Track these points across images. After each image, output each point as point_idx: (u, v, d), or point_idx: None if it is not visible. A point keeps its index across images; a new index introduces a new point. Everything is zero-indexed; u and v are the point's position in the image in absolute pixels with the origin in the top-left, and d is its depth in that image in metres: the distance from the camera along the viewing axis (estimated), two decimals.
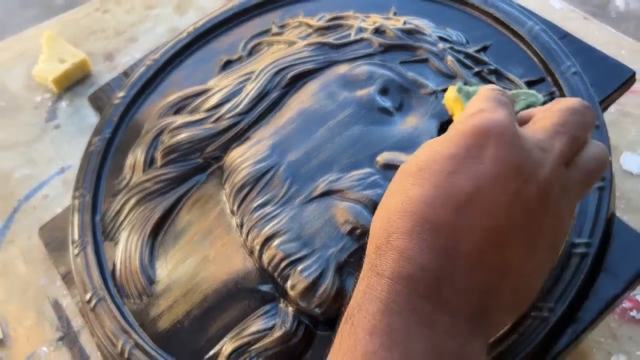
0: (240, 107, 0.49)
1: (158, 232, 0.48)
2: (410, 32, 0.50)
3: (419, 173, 0.28)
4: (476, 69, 0.47)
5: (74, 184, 0.53)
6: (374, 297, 0.26)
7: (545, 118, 0.31)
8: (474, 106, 0.31)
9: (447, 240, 0.26)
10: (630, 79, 0.47)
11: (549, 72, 0.46)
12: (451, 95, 0.39)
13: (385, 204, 0.29)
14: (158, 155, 0.50)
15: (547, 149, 0.29)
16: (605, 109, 0.47)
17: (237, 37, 0.58)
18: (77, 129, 0.65)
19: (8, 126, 0.67)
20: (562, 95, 0.45)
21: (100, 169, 0.53)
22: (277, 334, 0.40)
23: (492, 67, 0.47)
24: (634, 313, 0.45)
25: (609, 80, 0.46)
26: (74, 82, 0.70)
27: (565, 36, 0.49)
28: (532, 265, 0.28)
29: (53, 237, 0.55)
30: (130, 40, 0.74)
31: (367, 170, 0.42)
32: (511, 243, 0.27)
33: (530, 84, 0.46)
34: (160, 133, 0.51)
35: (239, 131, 0.48)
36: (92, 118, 0.64)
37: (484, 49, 0.49)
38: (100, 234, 0.50)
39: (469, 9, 0.52)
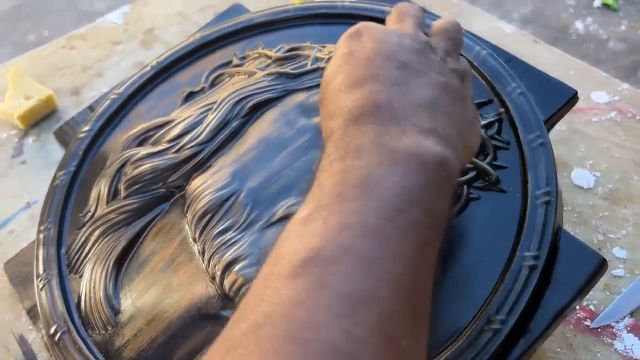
0: (202, 136, 0.50)
1: (122, 263, 0.48)
2: None
3: (331, 74, 0.35)
4: None
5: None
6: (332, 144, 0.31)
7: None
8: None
9: (374, 85, 0.32)
10: (572, 98, 0.49)
11: (496, 94, 0.48)
12: None
13: (324, 106, 0.35)
14: (121, 187, 0.51)
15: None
16: (551, 127, 0.49)
17: (199, 69, 0.59)
18: (44, 163, 0.65)
19: None
20: (510, 116, 0.47)
21: (65, 203, 0.53)
22: None
23: None
24: (588, 322, 0.46)
25: (553, 99, 0.49)
26: (40, 118, 0.70)
27: (511, 60, 0.51)
28: (466, 99, 0.35)
29: (18, 272, 0.54)
30: (96, 76, 0.75)
31: None
32: (414, 72, 0.33)
33: (479, 105, 0.48)
34: (123, 165, 0.52)
35: (200, 160, 0.49)
36: (58, 153, 0.65)
37: None
38: (65, 267, 0.50)
39: None
